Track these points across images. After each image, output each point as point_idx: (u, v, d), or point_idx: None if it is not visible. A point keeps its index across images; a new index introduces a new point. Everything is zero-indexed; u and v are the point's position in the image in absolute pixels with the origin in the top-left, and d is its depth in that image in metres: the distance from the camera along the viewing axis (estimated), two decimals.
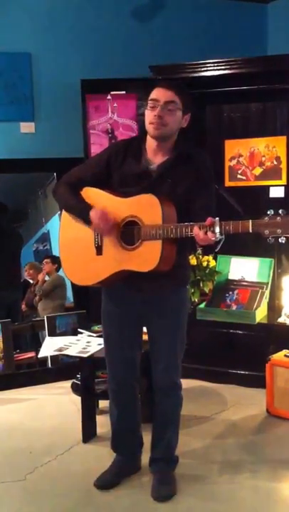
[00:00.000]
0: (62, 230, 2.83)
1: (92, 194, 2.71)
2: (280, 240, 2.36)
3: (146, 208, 2.55)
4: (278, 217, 2.35)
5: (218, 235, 2.37)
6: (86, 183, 2.72)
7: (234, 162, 4.39)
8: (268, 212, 2.37)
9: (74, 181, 2.75)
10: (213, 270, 4.29)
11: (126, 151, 2.68)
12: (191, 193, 2.60)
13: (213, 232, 2.36)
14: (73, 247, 2.77)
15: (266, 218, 2.36)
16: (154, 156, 2.67)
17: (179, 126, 2.64)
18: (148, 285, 2.64)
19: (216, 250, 2.60)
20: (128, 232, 2.60)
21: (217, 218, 2.38)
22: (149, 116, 2.60)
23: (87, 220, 2.64)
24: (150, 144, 2.66)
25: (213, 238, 2.37)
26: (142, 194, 2.57)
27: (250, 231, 2.37)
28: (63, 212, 2.82)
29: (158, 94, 2.59)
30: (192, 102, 2.68)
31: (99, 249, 2.68)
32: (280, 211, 2.36)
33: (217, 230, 2.36)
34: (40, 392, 4.15)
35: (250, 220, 2.37)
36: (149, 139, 2.66)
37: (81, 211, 2.67)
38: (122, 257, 2.61)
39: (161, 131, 2.59)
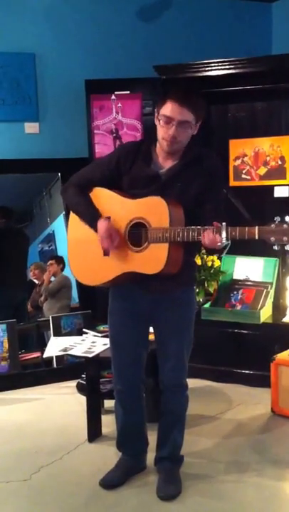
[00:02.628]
0: (71, 230, 2.83)
1: (100, 195, 2.71)
2: (286, 248, 2.35)
3: (153, 210, 2.55)
4: (284, 225, 2.33)
5: (224, 240, 2.37)
6: (95, 184, 2.73)
7: (239, 162, 4.39)
8: (275, 219, 2.35)
9: (83, 182, 2.75)
10: (218, 270, 4.28)
11: (136, 154, 2.67)
12: (200, 196, 2.60)
13: (220, 236, 2.36)
14: (81, 247, 2.77)
15: (272, 225, 2.35)
16: (165, 160, 2.66)
17: (191, 135, 2.63)
18: (155, 285, 2.65)
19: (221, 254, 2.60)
20: (135, 234, 2.61)
21: (224, 223, 2.38)
22: (162, 132, 2.57)
23: (94, 229, 2.66)
24: (161, 149, 2.65)
25: (219, 244, 2.38)
26: (151, 196, 2.56)
27: (257, 238, 2.37)
28: (71, 212, 2.82)
29: (172, 111, 2.52)
30: (204, 109, 2.65)
31: (106, 250, 2.69)
32: (287, 218, 2.34)
33: (224, 235, 2.36)
34: (46, 392, 4.15)
35: (257, 227, 2.37)
36: (158, 144, 2.65)
37: (89, 220, 2.68)
38: (129, 258, 2.62)
39: (173, 147, 2.59)
